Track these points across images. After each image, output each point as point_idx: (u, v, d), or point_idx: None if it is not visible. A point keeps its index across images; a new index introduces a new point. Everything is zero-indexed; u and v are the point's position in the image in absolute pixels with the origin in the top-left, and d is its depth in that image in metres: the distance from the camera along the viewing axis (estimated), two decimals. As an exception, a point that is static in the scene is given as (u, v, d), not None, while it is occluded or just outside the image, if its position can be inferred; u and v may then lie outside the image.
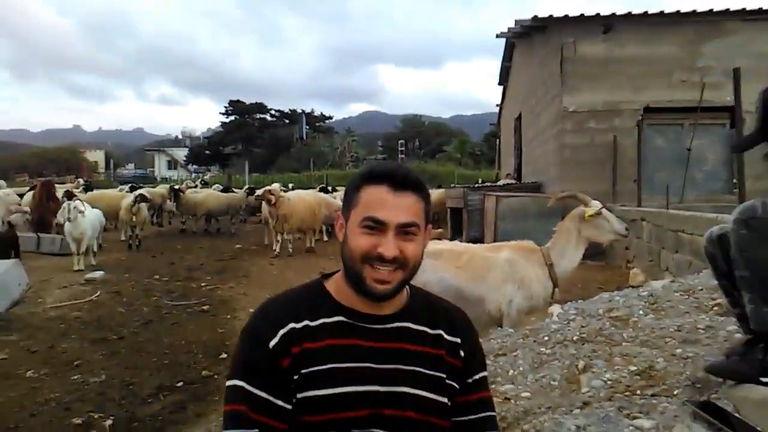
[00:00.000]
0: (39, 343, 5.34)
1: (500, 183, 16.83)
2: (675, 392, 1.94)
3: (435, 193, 17.21)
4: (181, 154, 55.99)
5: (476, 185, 16.02)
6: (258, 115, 52.22)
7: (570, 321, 3.17)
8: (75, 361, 4.85)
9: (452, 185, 18.61)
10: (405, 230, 1.13)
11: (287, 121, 52.17)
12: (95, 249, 10.24)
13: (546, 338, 2.99)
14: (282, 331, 1.13)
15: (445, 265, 3.90)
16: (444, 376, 1.20)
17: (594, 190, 10.62)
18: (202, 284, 8.34)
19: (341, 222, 1.20)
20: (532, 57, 14.57)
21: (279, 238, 11.35)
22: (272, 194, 10.96)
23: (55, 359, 4.90)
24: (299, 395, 1.10)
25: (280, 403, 1.10)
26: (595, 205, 4.02)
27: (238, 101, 52.16)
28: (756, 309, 1.65)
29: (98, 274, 8.64)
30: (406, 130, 58.41)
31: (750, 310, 1.66)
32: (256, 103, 52.99)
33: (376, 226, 1.12)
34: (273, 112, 53.60)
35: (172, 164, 55.18)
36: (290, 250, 11.37)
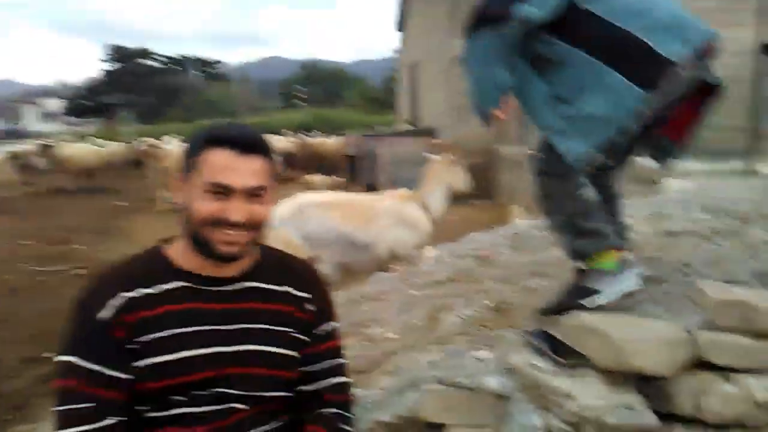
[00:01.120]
0: None
1: (396, 129, 16.97)
2: (521, 323, 2.08)
3: (334, 141, 17.07)
4: (55, 105, 51.26)
5: (373, 133, 16.04)
6: (143, 62, 48.52)
7: (441, 262, 3.30)
8: None
9: (352, 132, 18.52)
10: (253, 194, 1.13)
11: (177, 67, 48.97)
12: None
13: (417, 280, 3.09)
14: (112, 302, 1.11)
15: (332, 215, 4.04)
16: (292, 330, 1.24)
17: (483, 134, 11.04)
18: (77, 247, 7.79)
19: (179, 184, 1.18)
20: (425, 2, 14.51)
21: (164, 193, 10.81)
22: (149, 149, 10.35)
23: None
24: (139, 363, 1.11)
25: (114, 374, 1.10)
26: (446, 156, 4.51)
27: (120, 47, 48.10)
28: (560, 240, 1.79)
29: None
30: (305, 76, 56.92)
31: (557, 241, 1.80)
32: (141, 48, 49.14)
33: (222, 191, 1.11)
34: (160, 57, 49.98)
35: (46, 116, 50.41)
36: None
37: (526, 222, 4.33)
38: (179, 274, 1.18)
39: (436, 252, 3.91)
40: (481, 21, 1.66)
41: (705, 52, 1.65)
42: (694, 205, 2.90)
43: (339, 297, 3.03)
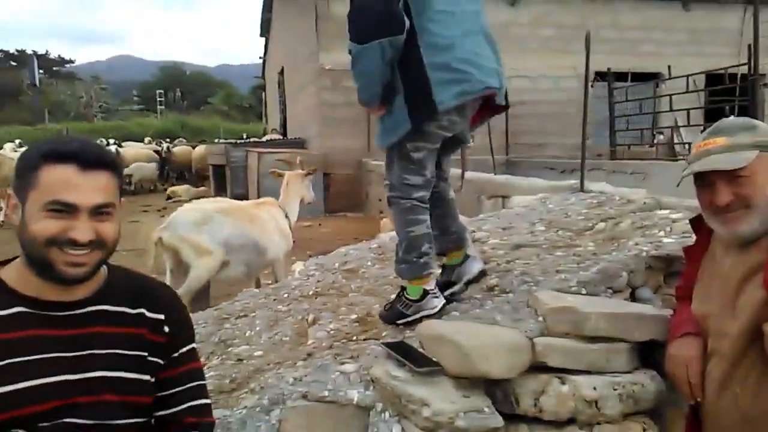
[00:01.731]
0: None
1: (266, 138, 16.72)
2: (383, 335, 2.18)
3: (197, 150, 16.38)
4: None
5: (240, 141, 15.67)
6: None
7: (309, 276, 3.33)
8: None
9: (216, 140, 17.91)
10: (99, 211, 1.08)
11: (14, 63, 43.90)
12: None
13: (285, 295, 3.10)
14: None
15: (240, 221, 4.35)
16: (145, 354, 1.19)
17: (352, 146, 11.27)
18: None
19: (14, 202, 1.10)
20: (290, 11, 14.51)
21: (2, 204, 9.67)
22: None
23: None
24: None
25: None
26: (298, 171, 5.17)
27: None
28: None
29: None
30: (165, 79, 53.95)
31: None
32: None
33: (64, 209, 1.05)
34: (2, 52, 44.54)
35: None
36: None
37: (390, 235, 4.51)
38: (18, 298, 1.10)
39: (301, 266, 3.94)
40: (375, 31, 1.88)
41: (484, 98, 2.10)
42: (536, 220, 3.23)
43: (205, 315, 2.94)
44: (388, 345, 1.85)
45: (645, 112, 11.09)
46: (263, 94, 24.73)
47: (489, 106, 2.20)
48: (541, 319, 1.83)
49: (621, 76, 12.16)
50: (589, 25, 6.57)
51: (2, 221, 9.69)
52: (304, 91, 13.59)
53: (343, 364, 1.93)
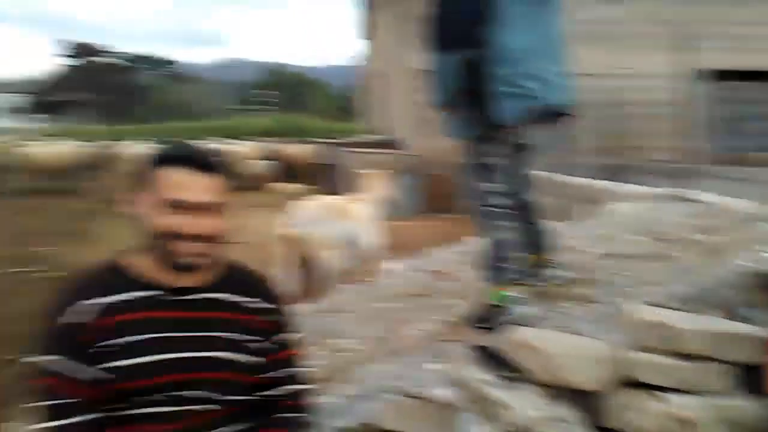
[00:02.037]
0: None
1: (363, 139, 17.09)
2: (470, 338, 2.25)
3: (302, 149, 17.04)
4: (6, 100, 49.37)
5: (338, 141, 16.13)
6: (102, 59, 47.29)
7: (402, 276, 3.47)
8: None
9: (318, 140, 18.54)
10: (209, 209, 1.23)
11: (135, 65, 47.93)
12: None
13: (379, 293, 3.25)
14: (83, 308, 1.21)
15: (345, 218, 4.64)
16: (251, 339, 1.34)
17: (448, 148, 11.24)
18: (43, 249, 7.67)
19: (138, 199, 1.27)
20: (389, 13, 14.72)
21: (125, 198, 10.66)
22: (110, 152, 10.15)
23: None
24: (108, 365, 1.20)
25: (81, 375, 1.19)
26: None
27: (81, 43, 46.76)
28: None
29: None
30: (267, 79, 56.40)
31: None
32: (101, 45, 47.96)
33: (181, 206, 1.21)
34: (122, 55, 48.82)
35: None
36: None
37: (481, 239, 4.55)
38: (141, 283, 1.26)
39: (396, 266, 4.08)
40: (454, 42, 2.06)
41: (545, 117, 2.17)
42: (632, 228, 3.15)
43: (305, 308, 3.15)
44: (474, 348, 1.93)
45: (758, 113, 10.16)
46: (361, 94, 25.26)
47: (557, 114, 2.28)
48: (631, 332, 1.81)
49: (732, 75, 11.21)
50: (699, 21, 6.15)
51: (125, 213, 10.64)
52: (401, 92, 13.78)
53: (431, 363, 2.03)
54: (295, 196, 12.86)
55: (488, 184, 2.15)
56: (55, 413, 1.18)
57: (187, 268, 1.25)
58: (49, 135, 22.21)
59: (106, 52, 47.54)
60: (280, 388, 1.39)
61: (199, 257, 1.25)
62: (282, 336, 1.41)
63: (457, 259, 3.52)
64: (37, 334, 1.23)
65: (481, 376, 1.73)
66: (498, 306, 2.16)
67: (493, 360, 1.80)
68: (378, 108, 18.45)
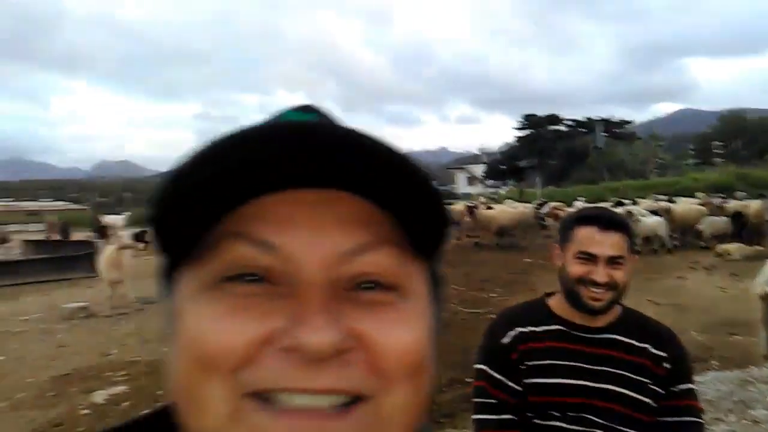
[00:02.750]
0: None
1: None
2: None
3: (752, 205, 14.77)
4: (478, 170, 58.93)
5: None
6: (551, 127, 51.62)
7: None
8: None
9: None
10: (613, 261, 1.45)
11: (583, 130, 50.32)
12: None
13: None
14: (511, 333, 1.55)
15: None
16: (648, 381, 1.44)
17: None
18: (492, 295, 9.09)
19: (558, 252, 1.56)
20: None
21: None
22: (557, 210, 11.21)
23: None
24: (527, 381, 1.49)
25: (510, 384, 1.51)
26: None
27: (531, 115, 52.35)
28: None
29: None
30: (724, 129, 50.35)
31: None
32: (550, 114, 52.32)
33: (589, 258, 1.46)
34: (567, 122, 52.29)
35: (471, 180, 58.71)
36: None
37: None
38: (557, 319, 1.50)
39: None
40: None
41: None
42: None
43: (729, 376, 2.95)
44: None
45: None
46: None
47: None
48: None
49: None
50: None
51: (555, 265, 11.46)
52: None
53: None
54: (743, 257, 11.31)
55: None
56: (483, 408, 1.51)
57: (591, 311, 1.46)
58: (504, 198, 25.66)
59: (555, 120, 51.70)
60: None
61: (601, 302, 1.44)
62: (679, 385, 1.44)
63: None
64: (480, 348, 1.59)
65: None
66: None
67: None
68: None
